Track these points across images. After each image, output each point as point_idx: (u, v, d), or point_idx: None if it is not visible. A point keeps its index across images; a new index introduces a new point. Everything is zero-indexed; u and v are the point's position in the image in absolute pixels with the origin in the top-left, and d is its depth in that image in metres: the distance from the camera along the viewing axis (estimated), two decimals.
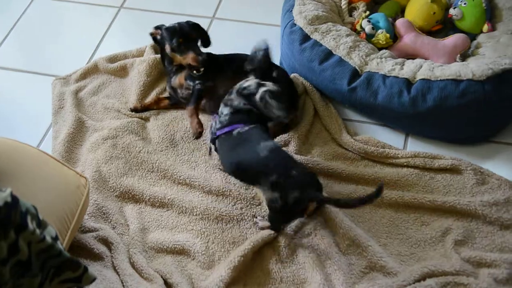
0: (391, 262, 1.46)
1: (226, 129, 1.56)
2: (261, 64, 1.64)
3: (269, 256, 1.50)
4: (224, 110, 1.58)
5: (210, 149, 1.68)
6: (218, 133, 1.57)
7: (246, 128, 1.53)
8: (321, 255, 1.48)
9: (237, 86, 1.60)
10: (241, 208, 1.60)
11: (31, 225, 1.02)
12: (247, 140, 1.51)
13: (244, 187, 1.62)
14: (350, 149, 1.71)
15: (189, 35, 1.78)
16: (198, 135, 1.70)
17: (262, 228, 1.54)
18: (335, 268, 1.44)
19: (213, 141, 1.61)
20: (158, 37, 1.82)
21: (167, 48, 1.79)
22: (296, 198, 1.40)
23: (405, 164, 1.67)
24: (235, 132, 1.54)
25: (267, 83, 1.57)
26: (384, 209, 1.58)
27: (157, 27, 1.83)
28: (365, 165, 1.69)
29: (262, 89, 1.53)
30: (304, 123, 1.78)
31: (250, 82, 1.58)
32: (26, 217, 1.02)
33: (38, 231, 1.04)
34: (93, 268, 1.46)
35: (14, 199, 1.00)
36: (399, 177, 1.64)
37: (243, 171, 1.51)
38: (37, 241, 1.04)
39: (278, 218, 1.49)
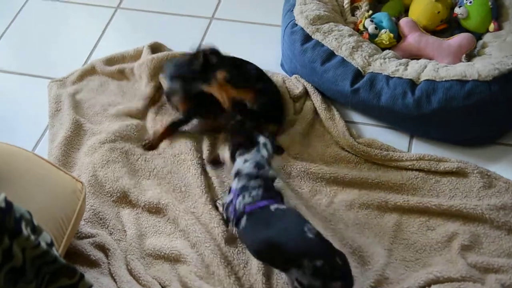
0: (394, 272, 1.46)
1: (261, 204, 1.43)
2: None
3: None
4: (252, 183, 1.46)
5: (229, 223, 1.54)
6: (248, 208, 1.43)
7: (283, 206, 1.45)
8: None
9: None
10: None
11: (26, 230, 1.03)
12: (288, 218, 1.41)
13: None
14: (353, 152, 1.71)
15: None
16: (149, 148, 1.76)
17: None
18: None
19: (238, 219, 1.46)
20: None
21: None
22: None
23: (409, 167, 1.66)
24: (273, 208, 1.42)
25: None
26: (390, 214, 1.58)
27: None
28: (369, 169, 1.69)
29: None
30: (302, 126, 1.77)
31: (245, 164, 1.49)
32: (21, 223, 1.02)
33: (32, 237, 1.04)
34: (90, 275, 1.46)
35: (8, 204, 1.01)
36: (404, 180, 1.64)
37: (280, 252, 1.36)
38: (32, 247, 1.04)
39: None
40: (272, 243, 1.37)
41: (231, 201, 1.47)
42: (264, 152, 1.51)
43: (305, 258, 1.30)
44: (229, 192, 1.50)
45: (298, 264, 1.31)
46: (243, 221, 1.43)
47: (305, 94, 1.86)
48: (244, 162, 1.48)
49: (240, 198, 1.45)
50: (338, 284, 1.31)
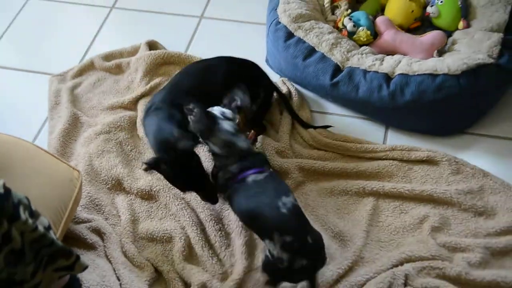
0: (370, 252, 1.48)
1: (239, 177, 1.42)
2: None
3: None
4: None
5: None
6: (231, 183, 1.43)
7: (261, 176, 1.41)
8: None
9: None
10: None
11: (24, 215, 1.03)
12: (265, 191, 1.38)
13: None
14: (330, 150, 1.70)
15: None
16: None
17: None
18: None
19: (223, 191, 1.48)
20: None
21: None
22: (303, 266, 1.29)
23: (384, 157, 1.67)
24: (250, 180, 1.40)
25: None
26: (367, 198, 1.59)
27: None
28: (346, 161, 1.69)
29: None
30: (286, 127, 1.76)
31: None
32: (19, 208, 1.02)
33: (30, 221, 1.05)
34: (87, 257, 1.47)
35: (7, 190, 1.01)
36: (380, 168, 1.64)
37: (257, 223, 1.37)
38: (30, 231, 1.05)
39: (276, 277, 1.37)
40: (250, 215, 1.37)
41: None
42: (226, 126, 1.44)
43: (276, 232, 1.29)
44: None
45: (270, 236, 1.30)
46: (226, 194, 1.45)
47: (289, 94, 1.84)
48: (214, 145, 1.46)
49: (221, 173, 1.46)
50: (304, 262, 1.29)
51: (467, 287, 1.38)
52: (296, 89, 1.85)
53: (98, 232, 1.54)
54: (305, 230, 1.32)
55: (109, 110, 1.88)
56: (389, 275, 1.39)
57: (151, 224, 1.58)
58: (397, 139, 1.73)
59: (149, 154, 1.73)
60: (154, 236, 1.55)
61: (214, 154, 1.48)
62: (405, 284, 1.39)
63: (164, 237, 1.54)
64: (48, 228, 1.12)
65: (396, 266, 1.43)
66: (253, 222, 1.39)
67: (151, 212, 1.61)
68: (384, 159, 1.67)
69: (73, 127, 1.83)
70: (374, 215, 1.56)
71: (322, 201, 1.60)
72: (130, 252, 1.50)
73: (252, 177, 1.40)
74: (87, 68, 2.03)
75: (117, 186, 1.67)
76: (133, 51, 2.04)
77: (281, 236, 1.28)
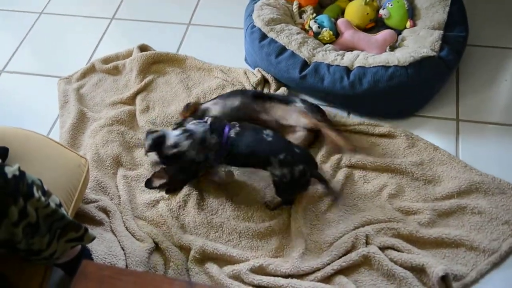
0: (335, 214, 1.50)
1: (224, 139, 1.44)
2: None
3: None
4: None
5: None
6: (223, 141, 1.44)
7: (237, 128, 1.45)
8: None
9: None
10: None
11: (37, 193, 1.03)
12: (248, 134, 1.44)
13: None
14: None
15: None
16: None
17: (275, 207, 1.49)
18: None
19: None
20: None
21: None
22: (301, 171, 1.38)
23: (352, 130, 1.68)
24: (232, 133, 1.44)
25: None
26: (341, 169, 1.59)
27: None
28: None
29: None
30: None
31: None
32: (32, 187, 1.02)
33: (43, 198, 1.05)
34: (96, 231, 1.47)
35: (21, 172, 1.01)
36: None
37: (256, 157, 1.42)
38: (43, 207, 1.05)
39: (287, 192, 1.45)
40: (250, 154, 1.42)
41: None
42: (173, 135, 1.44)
43: (271, 156, 1.39)
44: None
45: (268, 162, 1.40)
46: (226, 159, 1.46)
47: (262, 81, 1.85)
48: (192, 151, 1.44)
49: (211, 155, 1.46)
50: (301, 167, 1.39)
51: (417, 243, 1.40)
52: (271, 76, 1.84)
53: (104, 210, 1.54)
54: (291, 145, 1.43)
55: (111, 105, 1.87)
56: (352, 236, 1.41)
57: (146, 196, 1.57)
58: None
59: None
60: (148, 218, 1.54)
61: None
62: (366, 242, 1.41)
63: (158, 220, 1.53)
64: (59, 205, 1.12)
65: (358, 228, 1.44)
66: (254, 158, 1.43)
67: (144, 191, 1.60)
68: (353, 132, 1.68)
69: (80, 122, 1.82)
70: (345, 184, 1.56)
71: None
72: (130, 228, 1.50)
73: (231, 132, 1.44)
74: (89, 71, 2.02)
75: (120, 171, 1.66)
76: (128, 54, 2.02)
77: (276, 157, 1.38)
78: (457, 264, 1.36)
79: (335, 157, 1.61)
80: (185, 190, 1.57)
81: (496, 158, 1.59)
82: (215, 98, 1.71)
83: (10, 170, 0.97)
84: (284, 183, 1.41)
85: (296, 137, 1.59)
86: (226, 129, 1.45)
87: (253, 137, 1.43)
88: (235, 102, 1.64)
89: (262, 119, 1.61)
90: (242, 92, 1.71)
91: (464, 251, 1.38)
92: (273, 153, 1.39)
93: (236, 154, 1.44)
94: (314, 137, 1.64)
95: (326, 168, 1.60)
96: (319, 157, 1.62)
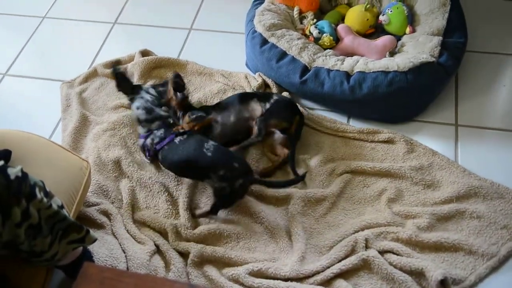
0: (335, 218, 1.50)
1: (167, 140, 1.54)
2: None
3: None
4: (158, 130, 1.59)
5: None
6: (159, 146, 1.55)
7: (185, 136, 1.53)
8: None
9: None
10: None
11: (39, 195, 1.04)
12: (190, 145, 1.50)
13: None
14: (309, 126, 1.72)
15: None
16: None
17: (200, 216, 1.52)
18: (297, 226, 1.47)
19: (155, 154, 1.59)
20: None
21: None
22: (240, 184, 1.43)
23: (352, 137, 1.69)
24: (177, 140, 1.53)
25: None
26: (340, 175, 1.60)
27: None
28: (320, 137, 1.71)
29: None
30: None
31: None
32: (35, 189, 1.03)
33: (45, 199, 1.06)
34: (97, 234, 1.45)
35: (24, 174, 1.02)
36: (347, 149, 1.67)
37: (192, 169, 1.50)
38: (45, 208, 1.06)
39: (225, 202, 1.50)
40: (185, 164, 1.49)
41: (143, 143, 1.62)
42: (147, 97, 1.63)
43: (210, 171, 1.44)
44: (139, 137, 1.64)
45: (207, 176, 1.45)
46: (159, 155, 1.57)
47: (264, 85, 1.87)
48: (137, 109, 1.60)
49: (149, 139, 1.59)
50: (240, 181, 1.43)
51: (417, 247, 1.41)
52: (272, 81, 1.85)
53: (105, 213, 1.54)
54: (231, 161, 1.45)
55: (113, 110, 1.88)
56: (352, 239, 1.42)
57: (146, 210, 1.58)
58: (357, 126, 1.74)
59: None
60: (147, 223, 1.54)
61: (139, 121, 1.60)
62: (366, 246, 1.41)
63: (156, 226, 1.53)
64: (61, 206, 1.13)
65: (357, 231, 1.44)
66: (189, 169, 1.51)
67: (147, 198, 1.60)
68: (353, 139, 1.69)
69: (82, 125, 1.83)
70: (343, 189, 1.56)
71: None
72: (131, 231, 1.50)
73: (177, 138, 1.53)
74: (91, 75, 2.03)
75: (122, 175, 1.67)
76: (129, 59, 2.04)
77: (215, 173, 1.42)
78: (456, 268, 1.37)
79: (332, 164, 1.63)
80: (182, 195, 1.58)
81: (494, 163, 1.60)
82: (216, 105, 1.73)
83: (13, 171, 0.99)
84: (224, 195, 1.46)
85: (275, 138, 1.64)
86: (172, 136, 1.54)
87: (192, 150, 1.48)
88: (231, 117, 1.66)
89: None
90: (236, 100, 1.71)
91: (463, 255, 1.39)
92: (212, 169, 1.43)
93: (167, 160, 1.54)
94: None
95: (322, 172, 1.61)
96: (316, 163, 1.63)
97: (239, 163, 1.44)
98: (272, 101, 1.67)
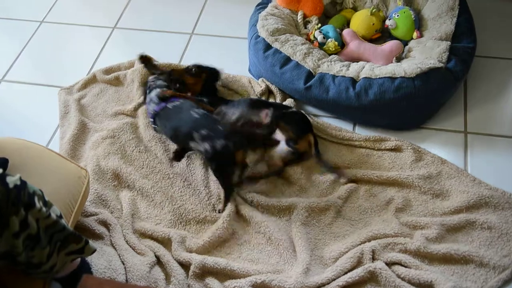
0: (341, 228, 1.51)
1: (161, 106, 1.67)
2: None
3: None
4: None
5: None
6: (157, 108, 1.68)
7: (178, 101, 1.66)
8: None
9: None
10: (213, 205, 1.60)
11: (38, 204, 1.04)
12: (182, 109, 1.62)
13: (217, 187, 1.61)
14: (314, 130, 1.71)
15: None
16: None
17: (224, 206, 1.55)
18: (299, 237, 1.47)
19: (153, 119, 1.71)
20: None
21: None
22: (222, 144, 1.47)
23: (358, 145, 1.69)
24: (170, 105, 1.65)
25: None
26: (345, 184, 1.60)
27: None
28: (326, 146, 1.71)
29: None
30: None
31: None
32: (34, 197, 1.04)
33: (44, 209, 1.06)
34: (96, 245, 1.44)
35: (22, 182, 1.02)
36: (353, 157, 1.67)
37: (180, 133, 1.58)
38: (44, 218, 1.06)
39: (220, 174, 1.54)
40: (174, 129, 1.61)
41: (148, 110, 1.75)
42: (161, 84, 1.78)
43: (193, 131, 1.52)
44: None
45: (191, 137, 1.53)
46: (157, 120, 1.69)
47: (267, 91, 1.88)
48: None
49: (149, 106, 1.73)
50: (222, 141, 1.48)
51: (425, 259, 1.40)
52: (276, 87, 1.86)
53: (104, 223, 1.54)
54: (215, 123, 1.53)
55: (113, 117, 1.89)
56: (358, 251, 1.41)
57: (147, 221, 1.58)
58: (363, 134, 1.74)
59: (148, 153, 1.74)
60: (148, 233, 1.54)
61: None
62: (373, 258, 1.41)
63: (158, 236, 1.53)
64: (60, 216, 1.14)
65: (364, 242, 1.44)
66: (177, 134, 1.60)
67: (148, 209, 1.61)
68: (359, 147, 1.69)
69: (81, 133, 1.84)
70: (349, 197, 1.57)
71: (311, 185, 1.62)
72: (131, 242, 1.50)
73: (171, 104, 1.65)
74: (90, 81, 2.04)
75: (121, 184, 1.67)
76: (129, 65, 2.05)
77: (198, 132, 1.51)
78: (467, 281, 1.36)
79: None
80: (188, 205, 1.60)
81: (506, 171, 1.60)
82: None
83: (12, 179, 0.99)
84: (209, 159, 1.51)
85: (278, 149, 1.64)
86: (163, 104, 1.67)
87: (183, 112, 1.60)
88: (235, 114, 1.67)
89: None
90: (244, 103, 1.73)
91: (473, 267, 1.38)
92: (195, 128, 1.51)
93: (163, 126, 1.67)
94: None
95: (326, 180, 1.62)
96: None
97: (223, 127, 1.52)
98: (289, 110, 1.72)
